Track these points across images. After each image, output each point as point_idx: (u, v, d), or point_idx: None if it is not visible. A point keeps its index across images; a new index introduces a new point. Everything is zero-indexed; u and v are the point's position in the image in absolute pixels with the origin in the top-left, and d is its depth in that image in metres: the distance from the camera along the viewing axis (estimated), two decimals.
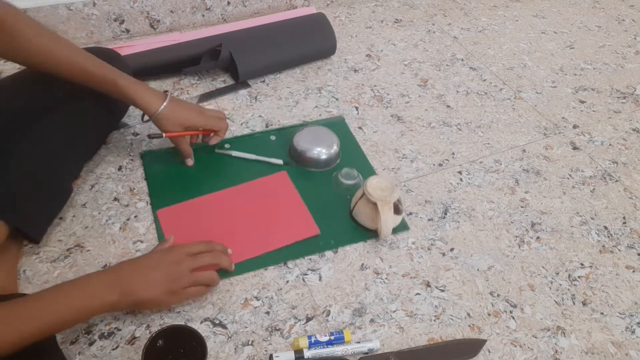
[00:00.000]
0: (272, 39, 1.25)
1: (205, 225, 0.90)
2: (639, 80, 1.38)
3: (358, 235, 0.91)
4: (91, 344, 0.74)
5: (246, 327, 0.78)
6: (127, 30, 1.32)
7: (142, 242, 0.88)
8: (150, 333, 0.75)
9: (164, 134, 0.92)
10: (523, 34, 1.53)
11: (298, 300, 0.82)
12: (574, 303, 0.86)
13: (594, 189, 1.07)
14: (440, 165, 1.08)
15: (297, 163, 1.02)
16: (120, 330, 0.76)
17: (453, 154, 1.11)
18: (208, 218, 0.91)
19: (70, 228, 0.89)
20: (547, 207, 1.02)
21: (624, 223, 1.00)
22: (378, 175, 0.91)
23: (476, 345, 0.78)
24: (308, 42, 1.29)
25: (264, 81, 1.24)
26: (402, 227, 0.93)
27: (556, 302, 0.86)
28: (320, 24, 1.31)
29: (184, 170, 1.00)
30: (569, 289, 0.88)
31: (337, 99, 1.21)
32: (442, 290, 0.86)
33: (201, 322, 0.78)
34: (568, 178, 1.08)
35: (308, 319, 0.80)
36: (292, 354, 0.74)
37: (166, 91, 0.92)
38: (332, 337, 0.76)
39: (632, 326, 0.84)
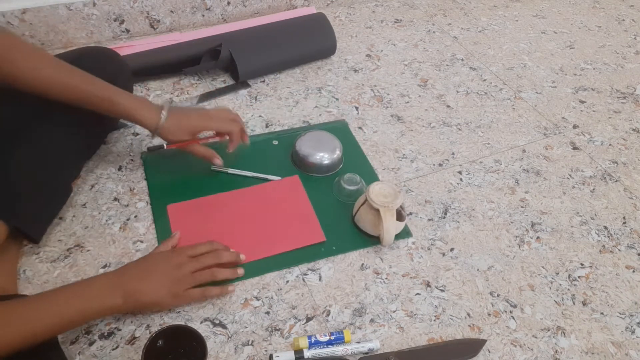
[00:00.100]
0: (272, 39, 1.25)
1: (214, 223, 0.90)
2: (639, 80, 1.38)
3: (360, 242, 0.91)
4: (91, 344, 0.74)
5: (246, 327, 0.78)
6: (127, 30, 1.32)
7: (142, 242, 0.88)
8: (150, 333, 0.75)
9: (165, 145, 0.89)
10: (523, 34, 1.53)
11: (298, 300, 0.82)
12: (574, 303, 0.86)
13: (594, 189, 1.07)
14: (440, 165, 1.08)
15: (300, 168, 1.02)
16: (120, 330, 0.76)
17: (453, 154, 1.11)
18: (217, 217, 0.92)
19: (70, 228, 0.89)
20: (547, 207, 1.02)
21: (624, 223, 1.00)
22: (381, 181, 0.91)
23: (476, 345, 0.78)
24: (308, 42, 1.29)
25: (264, 81, 1.24)
26: (404, 233, 0.93)
27: (556, 302, 0.86)
28: (320, 24, 1.31)
29: (184, 170, 1.00)
30: (569, 289, 0.88)
31: (337, 99, 1.21)
32: (442, 290, 0.86)
33: (201, 322, 0.78)
34: (568, 178, 1.08)
35: (308, 319, 0.80)
36: (292, 354, 0.74)
37: (169, 100, 0.90)
38: (332, 337, 0.76)
39: (632, 326, 0.84)
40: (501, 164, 1.10)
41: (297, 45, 1.28)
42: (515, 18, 1.59)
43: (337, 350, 0.75)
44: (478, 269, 0.89)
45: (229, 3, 1.40)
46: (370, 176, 1.02)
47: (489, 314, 0.83)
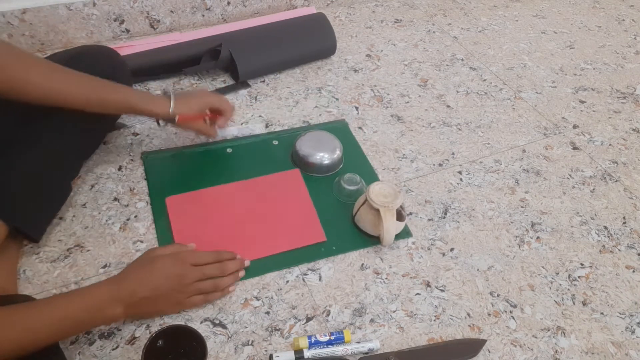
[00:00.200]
0: (272, 39, 1.25)
1: (213, 217, 0.91)
2: (639, 80, 1.38)
3: (360, 242, 0.91)
4: (91, 344, 0.74)
5: (246, 327, 0.78)
6: (127, 30, 1.32)
7: (142, 242, 0.88)
8: (150, 333, 0.75)
9: (176, 117, 0.91)
10: (523, 34, 1.53)
11: (298, 300, 0.82)
12: (574, 303, 0.86)
13: (594, 189, 1.07)
14: (440, 165, 1.08)
15: (300, 168, 1.02)
16: (120, 330, 0.76)
17: (453, 154, 1.11)
18: (217, 210, 0.92)
19: (70, 228, 0.89)
20: (547, 207, 1.02)
21: (624, 223, 1.00)
22: (381, 181, 0.91)
23: (476, 345, 0.78)
24: (308, 42, 1.29)
25: (264, 81, 1.24)
26: (404, 233, 0.93)
27: (556, 302, 0.86)
28: (320, 24, 1.31)
29: (184, 170, 1.00)
30: (569, 289, 0.88)
31: (337, 99, 1.21)
32: (442, 290, 0.86)
33: (201, 322, 0.78)
34: (568, 178, 1.08)
35: (308, 319, 0.80)
36: (292, 354, 0.74)
37: (166, 92, 0.92)
38: (332, 337, 0.76)
39: (632, 326, 0.84)
40: (501, 164, 1.10)
41: (297, 45, 1.28)
42: (515, 18, 1.59)
43: (337, 350, 0.75)
44: (478, 269, 0.89)
45: (229, 3, 1.40)
46: (370, 176, 1.02)
47: (489, 314, 0.83)
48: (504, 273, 0.89)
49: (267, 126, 1.12)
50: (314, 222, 0.92)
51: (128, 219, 0.91)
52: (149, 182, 0.97)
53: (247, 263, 0.84)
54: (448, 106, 1.23)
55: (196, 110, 0.93)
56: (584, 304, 0.86)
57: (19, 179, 0.80)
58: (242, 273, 0.83)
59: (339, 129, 1.12)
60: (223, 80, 1.23)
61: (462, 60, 1.39)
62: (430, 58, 1.38)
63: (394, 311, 0.82)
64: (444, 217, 0.97)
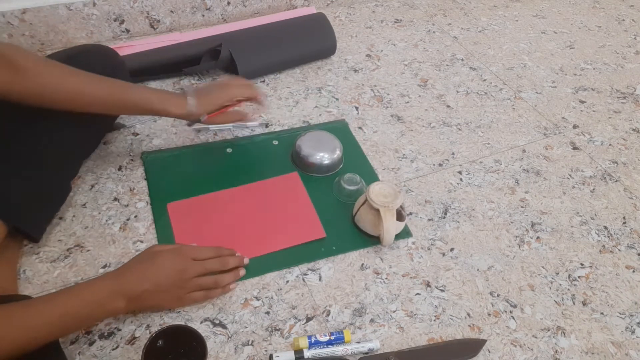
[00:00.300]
0: (272, 39, 1.25)
1: (214, 221, 0.91)
2: (639, 80, 1.38)
3: (360, 242, 0.91)
4: (91, 344, 0.74)
5: (246, 327, 0.78)
6: (127, 30, 1.32)
7: (142, 242, 0.88)
8: (150, 333, 0.75)
9: (203, 117, 0.91)
10: (523, 34, 1.53)
11: (298, 300, 0.82)
12: (574, 303, 0.86)
13: (594, 189, 1.07)
14: (440, 165, 1.08)
15: (300, 168, 1.02)
16: (120, 330, 0.76)
17: (453, 154, 1.11)
18: (217, 214, 0.92)
19: (70, 228, 0.89)
20: (547, 207, 1.02)
21: (624, 223, 1.00)
22: (381, 181, 0.91)
23: (476, 345, 0.78)
24: (308, 42, 1.29)
25: (264, 81, 1.24)
26: (404, 233, 0.93)
27: (556, 302, 0.86)
28: (320, 24, 1.31)
29: (184, 170, 1.00)
30: (569, 289, 0.88)
31: (337, 99, 1.21)
32: (442, 290, 0.86)
33: (201, 322, 0.78)
34: (568, 178, 1.08)
35: (308, 319, 0.80)
36: (292, 354, 0.74)
37: (181, 89, 0.92)
38: (332, 337, 0.76)
39: (632, 326, 0.84)
40: (501, 164, 1.10)
41: (297, 45, 1.28)
42: (515, 18, 1.59)
43: (337, 350, 0.75)
44: (478, 269, 0.89)
45: (229, 3, 1.40)
46: (370, 176, 1.02)
47: (489, 314, 0.83)
48: (504, 273, 0.89)
49: (267, 126, 1.12)
50: (313, 220, 0.92)
51: (128, 219, 0.91)
52: (149, 182, 0.97)
53: (246, 261, 0.84)
54: (448, 106, 1.23)
55: (219, 106, 0.92)
56: (584, 304, 0.86)
57: (19, 178, 0.80)
58: (242, 272, 0.83)
59: (339, 129, 1.12)
60: None
61: (462, 60, 1.39)
62: (430, 58, 1.38)
63: (394, 311, 0.82)
64: (444, 217, 0.97)
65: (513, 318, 0.83)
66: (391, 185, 0.89)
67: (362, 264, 0.88)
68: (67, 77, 0.80)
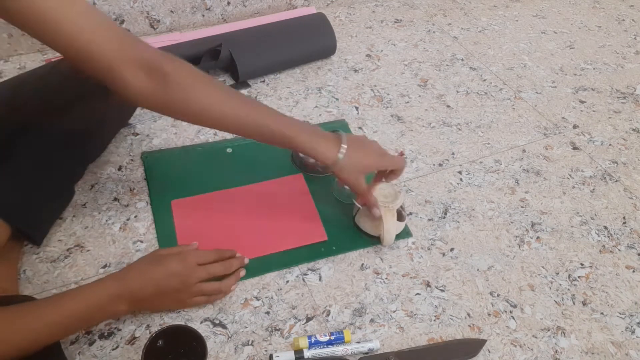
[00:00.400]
0: (272, 39, 1.25)
1: (217, 220, 0.91)
2: (639, 80, 1.38)
3: (360, 242, 0.91)
4: (91, 344, 0.74)
5: (246, 327, 0.78)
6: (127, 30, 1.32)
7: (142, 242, 0.88)
8: (150, 333, 0.75)
9: (359, 206, 0.87)
10: (523, 34, 1.53)
11: (298, 300, 0.82)
12: (574, 303, 0.86)
13: (594, 189, 1.07)
14: (440, 165, 1.08)
15: (300, 168, 1.02)
16: (120, 330, 0.76)
17: (453, 154, 1.11)
18: (220, 213, 0.92)
19: (70, 228, 0.89)
20: (547, 207, 1.02)
21: (624, 223, 1.00)
22: (381, 181, 0.91)
23: (476, 345, 0.78)
24: (308, 42, 1.29)
25: (264, 81, 1.24)
26: (404, 233, 0.93)
27: (556, 302, 0.86)
28: (320, 24, 1.31)
29: (184, 170, 1.00)
30: (569, 289, 0.88)
31: (337, 99, 1.21)
32: (442, 290, 0.86)
33: (201, 322, 0.78)
34: (568, 178, 1.08)
35: (308, 319, 0.80)
36: (292, 354, 0.74)
37: (336, 131, 0.83)
38: (332, 337, 0.76)
39: (632, 326, 0.84)
40: (501, 164, 1.10)
41: (297, 45, 1.28)
42: (515, 18, 1.59)
43: (337, 350, 0.75)
44: (478, 269, 0.89)
45: (229, 3, 1.40)
46: (370, 176, 1.02)
47: (489, 314, 0.83)
48: (504, 273, 0.89)
49: None
50: (316, 222, 0.92)
51: (128, 219, 0.91)
52: (149, 182, 0.97)
53: (246, 261, 0.84)
54: (448, 106, 1.23)
55: (361, 174, 0.83)
56: (584, 304, 0.86)
57: (23, 180, 0.80)
58: (242, 272, 0.83)
59: (339, 129, 1.12)
60: (223, 80, 1.23)
61: (462, 60, 1.39)
62: (430, 58, 1.38)
63: (394, 311, 0.82)
64: (444, 217, 0.97)
65: (513, 318, 0.83)
66: (391, 185, 0.89)
67: (362, 264, 0.88)
68: (220, 100, 0.75)
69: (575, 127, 1.22)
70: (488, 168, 1.08)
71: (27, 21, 0.62)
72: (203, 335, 0.69)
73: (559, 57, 1.44)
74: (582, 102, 1.29)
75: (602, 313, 0.85)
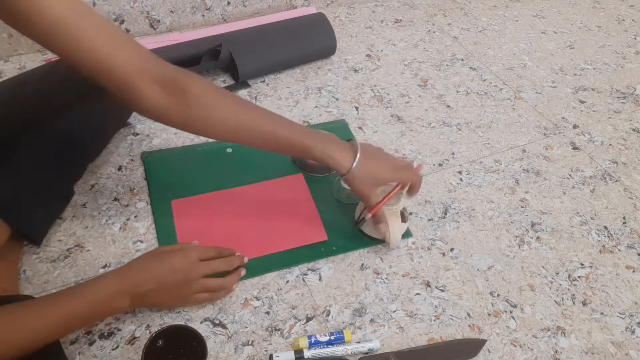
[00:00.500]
0: (272, 39, 1.25)
1: (218, 220, 0.91)
2: (639, 80, 1.38)
3: (360, 242, 0.91)
4: (91, 344, 0.74)
5: (246, 327, 0.78)
6: (127, 30, 1.32)
7: (142, 242, 0.88)
8: (150, 333, 0.75)
9: (368, 215, 0.84)
10: (523, 34, 1.53)
11: (298, 300, 0.82)
12: (574, 303, 0.86)
13: (594, 189, 1.07)
14: (440, 165, 1.08)
15: (300, 168, 1.02)
16: (120, 330, 0.76)
17: (453, 154, 1.11)
18: (221, 213, 0.92)
19: (70, 228, 0.89)
20: (547, 207, 1.02)
21: (624, 223, 1.00)
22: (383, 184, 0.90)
23: (476, 345, 0.78)
24: (308, 42, 1.29)
25: (264, 81, 1.24)
26: (406, 234, 0.93)
27: (556, 302, 0.86)
28: (320, 24, 1.31)
29: (184, 170, 1.00)
30: (569, 289, 0.88)
31: (337, 99, 1.21)
32: (442, 290, 0.86)
33: (201, 322, 0.78)
34: (568, 178, 1.08)
35: (308, 319, 0.80)
36: (292, 354, 0.74)
37: (351, 140, 0.83)
38: (332, 337, 0.76)
39: (632, 326, 0.84)
40: (501, 164, 1.10)
41: (297, 45, 1.28)
42: (515, 18, 1.59)
43: (337, 350, 0.75)
44: (478, 269, 0.89)
45: (229, 3, 1.40)
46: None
47: (489, 314, 0.83)
48: (504, 273, 0.89)
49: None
50: (316, 222, 0.92)
51: (128, 219, 0.91)
52: (149, 182, 0.97)
53: (245, 260, 0.84)
54: (448, 106, 1.23)
55: (375, 184, 0.82)
56: (584, 304, 0.86)
57: (23, 180, 0.80)
58: (243, 272, 0.83)
59: (339, 129, 1.12)
60: (223, 80, 1.23)
61: (462, 60, 1.39)
62: (430, 58, 1.38)
63: (394, 311, 0.82)
64: (444, 217, 0.97)
65: (513, 318, 0.83)
66: (391, 186, 0.89)
67: (362, 264, 0.88)
68: (235, 113, 0.75)
69: (575, 127, 1.22)
70: (488, 168, 1.08)
71: (43, 32, 0.62)
72: (203, 335, 0.69)
73: (559, 57, 1.44)
74: (582, 102, 1.29)
75: (602, 313, 0.85)
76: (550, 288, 0.88)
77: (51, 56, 1.24)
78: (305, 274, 0.86)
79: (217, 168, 1.01)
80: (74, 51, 0.64)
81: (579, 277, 0.90)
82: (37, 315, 0.63)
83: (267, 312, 0.80)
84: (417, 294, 0.85)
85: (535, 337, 0.81)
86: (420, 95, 1.25)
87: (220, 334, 0.77)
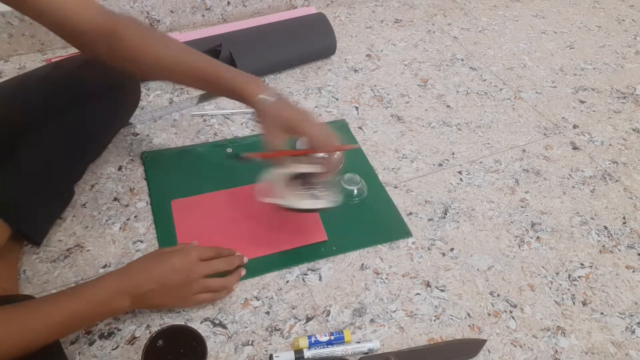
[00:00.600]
0: (272, 39, 1.25)
1: (217, 220, 0.91)
2: (639, 80, 1.38)
3: (360, 242, 0.91)
4: (91, 344, 0.74)
5: (246, 327, 0.78)
6: None
7: (142, 242, 0.88)
8: (150, 333, 0.75)
9: (256, 157, 0.82)
10: (523, 34, 1.53)
11: (298, 300, 0.82)
12: (574, 303, 0.86)
13: (594, 189, 1.07)
14: (440, 165, 1.08)
15: None
16: (120, 330, 0.76)
17: (453, 154, 1.11)
18: (220, 213, 0.92)
19: (70, 228, 0.89)
20: (547, 207, 1.02)
21: (624, 223, 1.00)
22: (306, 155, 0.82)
23: (476, 345, 0.78)
24: (308, 42, 1.29)
25: (264, 81, 1.24)
26: (404, 233, 0.93)
27: (556, 302, 0.86)
28: (320, 24, 1.31)
29: (184, 170, 1.00)
30: (569, 289, 0.88)
31: (337, 99, 1.21)
32: (442, 290, 0.86)
33: (201, 322, 0.78)
34: (568, 178, 1.08)
35: (308, 319, 0.80)
36: (292, 354, 0.74)
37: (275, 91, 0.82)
38: (332, 337, 0.76)
39: (632, 326, 0.84)
40: (501, 164, 1.10)
41: (297, 45, 1.28)
42: (515, 18, 1.59)
43: (337, 350, 0.75)
44: (478, 269, 0.89)
45: (229, 3, 1.40)
46: (371, 176, 1.02)
47: (489, 314, 0.83)
48: (504, 273, 0.89)
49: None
50: (316, 222, 0.92)
51: (128, 219, 0.91)
52: (149, 182, 0.97)
53: (245, 260, 0.84)
54: (448, 106, 1.23)
55: (282, 127, 0.78)
56: (584, 304, 0.86)
57: (23, 181, 0.80)
58: (243, 271, 0.83)
59: (339, 129, 1.12)
60: None
61: (462, 60, 1.39)
62: (430, 58, 1.38)
63: (394, 311, 0.82)
64: (444, 217, 0.97)
65: (513, 318, 0.83)
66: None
67: (362, 264, 0.88)
68: (157, 50, 0.81)
69: (575, 127, 1.22)
70: (488, 168, 1.08)
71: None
72: (203, 335, 0.69)
73: (559, 57, 1.44)
74: (582, 102, 1.29)
75: (602, 313, 0.85)
76: (550, 288, 0.88)
77: (51, 56, 1.24)
78: (305, 274, 0.86)
79: (217, 168, 1.01)
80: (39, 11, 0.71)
81: (579, 277, 0.90)
82: (38, 315, 0.63)
83: (267, 312, 0.80)
84: (417, 294, 0.85)
85: (535, 337, 0.81)
86: (420, 95, 1.25)
87: (220, 334, 0.77)
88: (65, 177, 0.89)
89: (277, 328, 0.78)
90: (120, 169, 1.00)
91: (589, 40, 1.53)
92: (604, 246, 0.96)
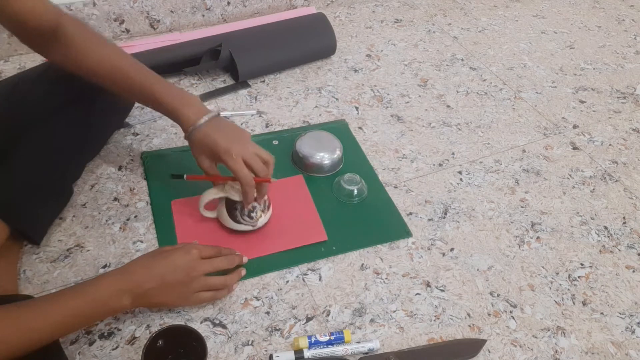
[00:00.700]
0: (272, 39, 1.25)
1: (217, 219, 0.90)
2: (639, 80, 1.38)
3: (360, 242, 0.91)
4: (91, 344, 0.74)
5: (246, 327, 0.78)
6: (127, 30, 1.32)
7: (142, 242, 0.88)
8: (150, 333, 0.75)
9: (185, 176, 0.85)
10: (523, 34, 1.53)
11: (298, 300, 0.82)
12: (574, 303, 0.86)
13: (594, 189, 1.07)
14: (440, 165, 1.08)
15: (300, 168, 1.02)
16: (120, 330, 0.76)
17: (453, 154, 1.11)
18: None
19: (70, 228, 0.89)
20: (547, 207, 1.02)
21: (624, 223, 1.00)
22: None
23: (476, 345, 0.78)
24: (308, 42, 1.29)
25: (264, 81, 1.24)
26: (404, 233, 0.93)
27: (556, 302, 0.86)
28: (320, 24, 1.31)
29: (184, 170, 0.99)
30: (569, 289, 0.88)
31: (337, 99, 1.21)
32: (442, 290, 0.86)
33: (201, 322, 0.78)
34: (568, 178, 1.08)
35: (308, 319, 0.80)
36: (292, 354, 0.74)
37: (219, 114, 0.82)
38: (332, 337, 0.76)
39: (632, 326, 0.84)
40: (501, 164, 1.10)
41: (297, 45, 1.28)
42: (515, 18, 1.59)
43: (337, 350, 0.75)
44: (478, 269, 0.89)
45: (229, 3, 1.40)
46: (370, 176, 1.02)
47: (489, 314, 0.83)
48: (504, 273, 0.89)
49: (267, 126, 1.12)
50: (316, 223, 0.92)
51: (128, 219, 0.91)
52: (149, 182, 0.97)
53: (245, 259, 0.84)
54: (448, 106, 1.23)
55: (206, 154, 0.81)
56: (584, 304, 0.86)
57: (22, 180, 0.80)
58: (244, 271, 0.83)
59: (339, 129, 1.12)
60: (223, 80, 1.23)
61: (462, 60, 1.39)
62: (430, 58, 1.38)
63: (394, 311, 0.82)
64: (444, 217, 0.97)
65: (513, 318, 0.83)
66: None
67: (362, 264, 0.88)
68: (101, 58, 0.80)
69: (575, 127, 1.22)
70: (488, 168, 1.08)
71: None
72: (203, 335, 0.69)
73: (559, 57, 1.44)
74: (582, 102, 1.29)
75: (602, 313, 0.85)
76: (550, 288, 0.88)
77: None
78: (305, 274, 0.86)
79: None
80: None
81: (579, 277, 0.90)
82: (38, 315, 0.63)
83: (267, 312, 0.80)
84: (417, 294, 0.85)
85: (535, 337, 0.81)
86: (420, 95, 1.25)
87: (220, 334, 0.77)
88: (63, 176, 0.89)
89: (277, 328, 0.78)
90: (120, 169, 1.00)
91: (589, 40, 1.53)
92: (604, 246, 0.96)
